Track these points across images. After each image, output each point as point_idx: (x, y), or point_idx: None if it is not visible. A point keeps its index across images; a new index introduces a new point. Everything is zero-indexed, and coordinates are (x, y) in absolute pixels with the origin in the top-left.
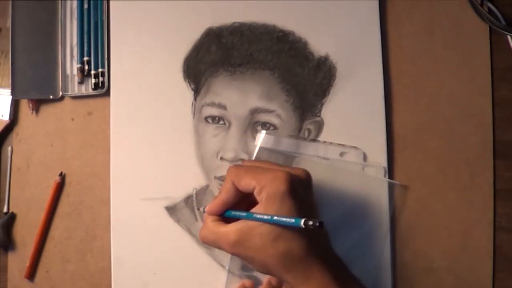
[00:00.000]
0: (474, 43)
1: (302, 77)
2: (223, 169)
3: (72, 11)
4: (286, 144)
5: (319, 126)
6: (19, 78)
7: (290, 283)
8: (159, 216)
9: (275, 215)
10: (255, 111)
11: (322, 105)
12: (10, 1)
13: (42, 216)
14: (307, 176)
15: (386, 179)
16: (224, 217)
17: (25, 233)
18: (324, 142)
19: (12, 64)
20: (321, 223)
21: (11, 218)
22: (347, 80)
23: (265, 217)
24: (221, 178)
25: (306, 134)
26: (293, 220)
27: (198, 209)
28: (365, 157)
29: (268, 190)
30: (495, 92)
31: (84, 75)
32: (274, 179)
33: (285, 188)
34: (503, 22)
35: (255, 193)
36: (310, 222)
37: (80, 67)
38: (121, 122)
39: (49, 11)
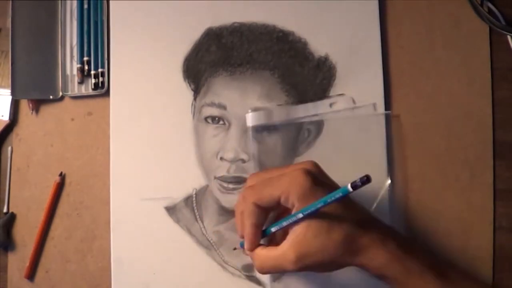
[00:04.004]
0: (474, 43)
1: (302, 77)
2: (223, 169)
3: (72, 11)
4: (277, 114)
5: (319, 126)
6: (19, 78)
7: (366, 265)
8: (159, 216)
9: (320, 200)
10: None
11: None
12: (10, 1)
13: (42, 216)
14: (316, 165)
15: (378, 112)
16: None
17: (25, 233)
18: (312, 100)
19: (12, 64)
20: (367, 176)
21: (11, 218)
22: (347, 80)
23: (312, 208)
24: (221, 179)
25: (306, 134)
26: (340, 191)
27: (235, 248)
28: (354, 101)
29: (296, 192)
30: (495, 92)
31: (84, 75)
32: (295, 179)
33: (310, 182)
34: (503, 22)
35: (282, 201)
36: (358, 181)
37: (80, 67)
38: (121, 122)
39: (49, 11)
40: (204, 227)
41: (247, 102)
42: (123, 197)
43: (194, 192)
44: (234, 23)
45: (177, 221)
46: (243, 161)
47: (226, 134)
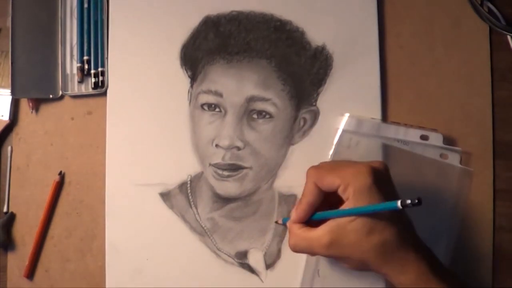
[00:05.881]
0: (474, 43)
1: (299, 66)
2: (218, 156)
3: (72, 10)
4: (368, 126)
5: (315, 115)
6: (19, 78)
7: (393, 277)
8: (153, 202)
9: (370, 205)
10: (251, 99)
11: (318, 95)
12: (10, 1)
13: (42, 215)
14: (386, 168)
15: (460, 166)
16: (307, 222)
17: (25, 233)
18: (405, 124)
19: (12, 63)
20: (419, 199)
21: (11, 218)
22: (343, 70)
23: (359, 211)
24: (216, 166)
25: (302, 123)
26: (389, 204)
27: (276, 222)
28: (444, 140)
29: (354, 185)
30: (495, 92)
31: (84, 74)
32: (358, 173)
33: (371, 181)
34: (503, 22)
35: (339, 191)
36: (408, 201)
37: (80, 66)
38: (118, 107)
39: (49, 11)
40: (198, 213)
41: (244, 90)
42: (118, 182)
43: (189, 179)
44: (232, 11)
45: (171, 207)
46: (238, 148)
47: (222, 122)
